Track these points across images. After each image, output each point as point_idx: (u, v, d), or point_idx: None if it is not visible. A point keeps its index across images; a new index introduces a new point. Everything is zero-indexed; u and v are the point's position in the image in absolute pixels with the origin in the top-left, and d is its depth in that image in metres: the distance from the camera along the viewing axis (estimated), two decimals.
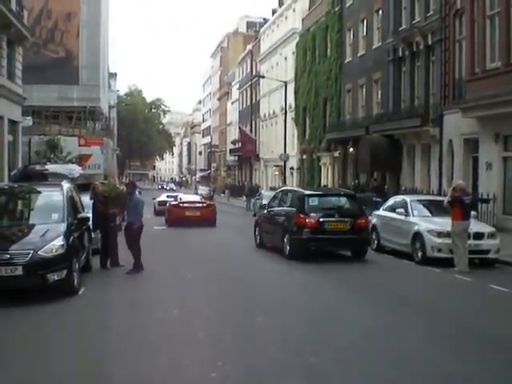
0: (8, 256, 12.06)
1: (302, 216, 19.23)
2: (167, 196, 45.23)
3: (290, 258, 19.11)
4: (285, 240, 19.68)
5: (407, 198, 21.19)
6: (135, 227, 16.19)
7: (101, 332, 10.17)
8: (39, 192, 14.76)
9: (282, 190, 24.39)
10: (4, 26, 29.13)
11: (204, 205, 35.14)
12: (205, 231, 30.74)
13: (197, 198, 39.57)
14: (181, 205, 34.50)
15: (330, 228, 19.10)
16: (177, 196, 40.35)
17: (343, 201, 20.86)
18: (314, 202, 20.19)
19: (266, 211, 22.94)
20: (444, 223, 18.33)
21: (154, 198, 45.84)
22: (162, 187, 74.45)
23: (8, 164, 30.75)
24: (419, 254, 18.41)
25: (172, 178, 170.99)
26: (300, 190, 23.71)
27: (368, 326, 10.56)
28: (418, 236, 18.50)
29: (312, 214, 19.18)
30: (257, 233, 23.17)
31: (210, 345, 9.37)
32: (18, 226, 13.66)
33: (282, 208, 21.43)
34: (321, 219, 19.07)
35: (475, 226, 18.39)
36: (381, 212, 21.95)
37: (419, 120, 30.81)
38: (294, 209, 19.93)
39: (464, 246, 17.07)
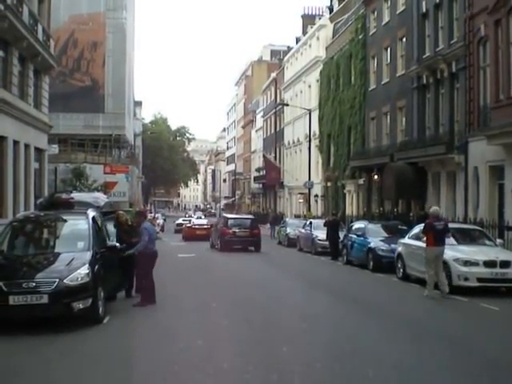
0: (34, 284, 12.13)
1: (225, 228, 36.30)
2: (183, 220, 62.40)
3: (221, 251, 34.98)
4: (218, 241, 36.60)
5: None
6: (147, 254, 15.51)
7: (125, 362, 10.15)
8: (65, 220, 14.81)
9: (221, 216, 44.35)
10: (31, 56, 29.54)
11: (208, 227, 46.97)
12: (228, 259, 30.78)
13: (204, 221, 53.44)
14: (193, 226, 49.28)
15: (239, 234, 35.83)
16: (190, 220, 56.42)
17: (247, 221, 38.43)
18: (232, 221, 37.59)
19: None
20: (470, 251, 18.22)
21: (174, 221, 64.71)
22: (190, 216, 72.44)
23: (34, 192, 31.03)
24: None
25: (196, 206, 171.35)
26: (224, 215, 45.49)
27: (395, 358, 10.45)
28: (444, 265, 18.32)
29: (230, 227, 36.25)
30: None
31: (234, 376, 9.32)
32: (43, 255, 13.75)
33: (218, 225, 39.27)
34: (234, 230, 36.06)
35: (501, 255, 18.25)
36: (406, 240, 21.77)
37: (444, 147, 30.68)
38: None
39: (438, 270, 17.56)
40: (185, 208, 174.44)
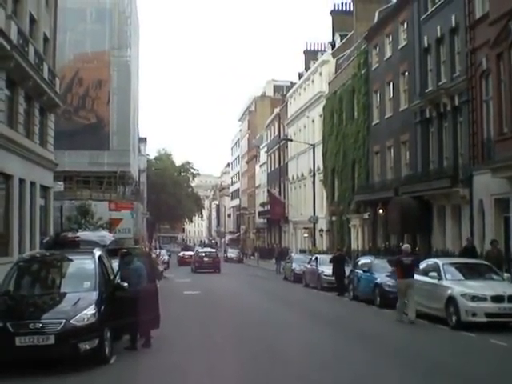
0: (40, 325, 12.11)
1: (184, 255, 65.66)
2: (184, 251, 73.15)
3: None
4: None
5: (439, 262, 20.95)
6: (142, 291, 14.78)
7: None
8: (71, 260, 14.79)
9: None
10: (37, 95, 29.75)
11: (214, 255, 56.20)
12: (236, 296, 30.74)
13: (211, 250, 61.37)
14: (200, 255, 56.19)
15: (205, 260, 53.15)
16: (196, 250, 63.91)
17: (212, 253, 56.30)
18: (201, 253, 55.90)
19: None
20: (478, 287, 18.17)
21: (178, 254, 73.46)
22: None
23: (40, 229, 31.04)
24: (453, 318, 18.12)
25: (201, 241, 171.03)
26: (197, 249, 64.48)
27: None
28: (451, 300, 18.24)
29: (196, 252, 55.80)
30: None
31: None
32: (50, 295, 13.71)
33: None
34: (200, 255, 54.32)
35: (509, 289, 18.17)
36: None
37: (448, 181, 30.69)
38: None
39: (409, 299, 19.98)
40: (189, 243, 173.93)
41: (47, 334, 12.02)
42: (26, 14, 28.67)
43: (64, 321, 12.19)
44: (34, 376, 11.84)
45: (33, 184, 29.65)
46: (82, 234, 17.97)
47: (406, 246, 22.27)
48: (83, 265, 14.35)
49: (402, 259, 20.64)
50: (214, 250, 61.28)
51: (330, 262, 32.20)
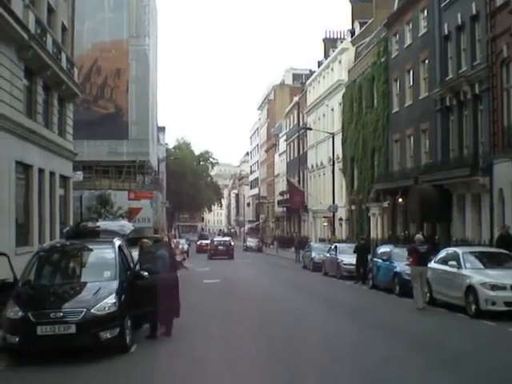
0: (61, 314, 12.21)
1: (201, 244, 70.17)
2: (201, 240, 77.77)
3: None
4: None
5: (459, 250, 20.88)
6: (162, 279, 14.79)
7: None
8: (91, 250, 14.88)
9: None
10: (55, 84, 29.83)
11: (228, 243, 60.72)
12: (256, 285, 30.80)
13: (226, 238, 68.04)
14: (215, 243, 61.44)
15: (219, 248, 58.45)
16: (212, 239, 68.21)
17: (226, 240, 64.09)
18: (216, 242, 62.62)
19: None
20: (498, 275, 18.10)
21: (196, 242, 78.50)
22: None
23: (60, 219, 31.19)
24: (473, 307, 18.07)
25: (220, 230, 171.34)
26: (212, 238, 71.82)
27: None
28: (471, 289, 18.18)
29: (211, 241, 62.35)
30: None
31: None
32: (70, 284, 13.79)
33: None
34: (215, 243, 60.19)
35: None
36: (432, 264, 21.58)
37: (468, 169, 30.49)
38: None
39: (421, 286, 20.67)
40: (209, 232, 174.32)
41: (68, 324, 12.12)
42: (43, 4, 28.72)
43: (85, 310, 12.29)
44: (55, 365, 11.95)
45: (52, 174, 29.77)
46: (102, 224, 18.05)
47: (418, 236, 23.07)
48: (103, 254, 14.43)
49: (418, 247, 21.22)
50: (227, 239, 66.29)
51: (354, 251, 32.14)
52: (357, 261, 31.34)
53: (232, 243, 62.29)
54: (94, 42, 56.79)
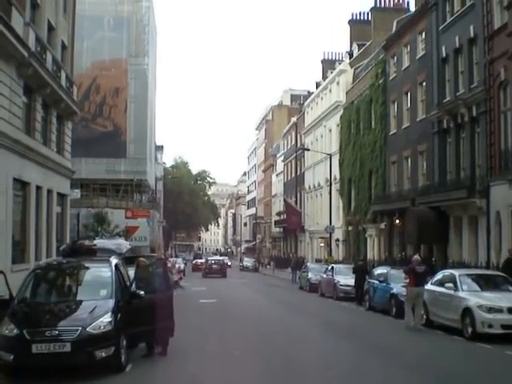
0: (57, 332, 12.14)
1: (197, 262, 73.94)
2: (196, 259, 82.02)
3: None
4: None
5: (456, 273, 20.89)
6: (158, 299, 14.75)
7: None
8: (87, 268, 14.82)
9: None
10: (54, 102, 29.90)
11: (222, 262, 64.70)
12: (252, 305, 30.72)
13: (220, 258, 72.94)
14: (209, 263, 64.69)
15: (213, 267, 61.64)
16: (206, 259, 72.65)
17: (220, 259, 67.98)
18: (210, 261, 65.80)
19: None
20: (495, 298, 18.08)
21: (190, 260, 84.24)
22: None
23: (56, 236, 31.14)
24: (469, 329, 18.05)
25: (217, 249, 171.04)
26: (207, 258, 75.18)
27: None
28: (467, 311, 18.16)
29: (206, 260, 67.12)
30: None
31: None
32: (66, 302, 13.68)
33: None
34: (209, 262, 63.68)
35: None
36: (429, 286, 21.58)
37: (465, 192, 30.53)
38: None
39: (417, 306, 20.85)
40: (206, 251, 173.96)
41: (63, 342, 12.04)
42: (44, 22, 28.89)
43: (80, 328, 12.22)
44: (50, 383, 11.87)
45: (50, 191, 29.77)
46: (99, 242, 17.97)
47: (415, 257, 23.18)
48: (100, 273, 14.36)
49: (415, 267, 21.43)
50: (221, 259, 71.90)
51: (353, 272, 32.16)
52: (355, 282, 31.33)
53: (227, 262, 68.37)
54: (93, 61, 57.06)
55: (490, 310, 17.70)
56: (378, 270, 29.78)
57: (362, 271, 31.70)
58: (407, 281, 21.52)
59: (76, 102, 34.29)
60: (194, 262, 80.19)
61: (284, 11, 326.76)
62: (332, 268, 36.89)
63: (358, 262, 35.02)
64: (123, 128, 58.43)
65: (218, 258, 75.65)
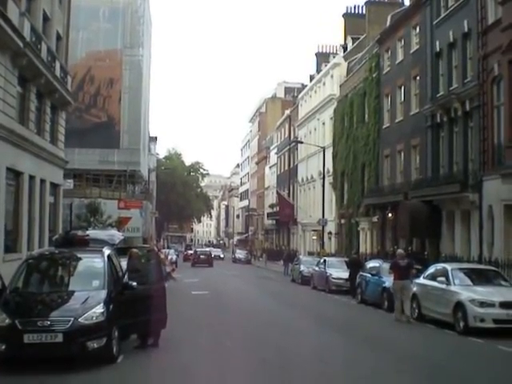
0: (49, 323, 12.13)
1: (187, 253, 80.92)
2: (187, 250, 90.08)
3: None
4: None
5: (448, 267, 20.94)
6: (150, 290, 14.84)
7: None
8: (80, 258, 14.77)
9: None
10: (48, 92, 29.83)
11: (208, 253, 72.56)
12: (244, 297, 30.78)
13: (207, 249, 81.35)
14: (198, 253, 73.06)
15: (201, 257, 69.36)
16: (195, 250, 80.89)
17: (207, 250, 77.71)
18: (199, 251, 75.02)
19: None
20: (487, 292, 18.16)
21: (182, 251, 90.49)
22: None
23: (49, 226, 31.09)
24: (461, 324, 18.11)
25: (209, 241, 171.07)
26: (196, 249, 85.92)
27: None
28: (459, 306, 18.22)
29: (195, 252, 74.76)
30: None
31: None
32: (58, 293, 13.67)
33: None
34: (198, 253, 71.85)
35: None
36: (421, 280, 21.66)
37: (458, 186, 30.59)
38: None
39: (405, 300, 21.19)
40: (198, 243, 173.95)
41: (55, 332, 12.04)
42: (39, 12, 28.77)
43: (72, 319, 12.21)
44: (41, 374, 11.86)
45: (43, 181, 29.72)
46: (92, 233, 17.96)
47: (399, 251, 24.27)
48: (92, 263, 14.35)
49: (399, 261, 22.19)
50: (208, 250, 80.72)
51: (348, 266, 32.26)
52: (350, 275, 31.39)
53: (211, 253, 75.01)
54: (88, 51, 56.90)
55: (482, 304, 17.75)
56: (371, 264, 29.87)
57: (356, 264, 31.75)
58: (392, 275, 22.26)
59: (70, 92, 34.21)
60: (185, 252, 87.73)
61: (279, 3, 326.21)
62: (324, 261, 36.95)
63: (352, 255, 35.09)
64: (117, 119, 58.29)
65: (205, 249, 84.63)
